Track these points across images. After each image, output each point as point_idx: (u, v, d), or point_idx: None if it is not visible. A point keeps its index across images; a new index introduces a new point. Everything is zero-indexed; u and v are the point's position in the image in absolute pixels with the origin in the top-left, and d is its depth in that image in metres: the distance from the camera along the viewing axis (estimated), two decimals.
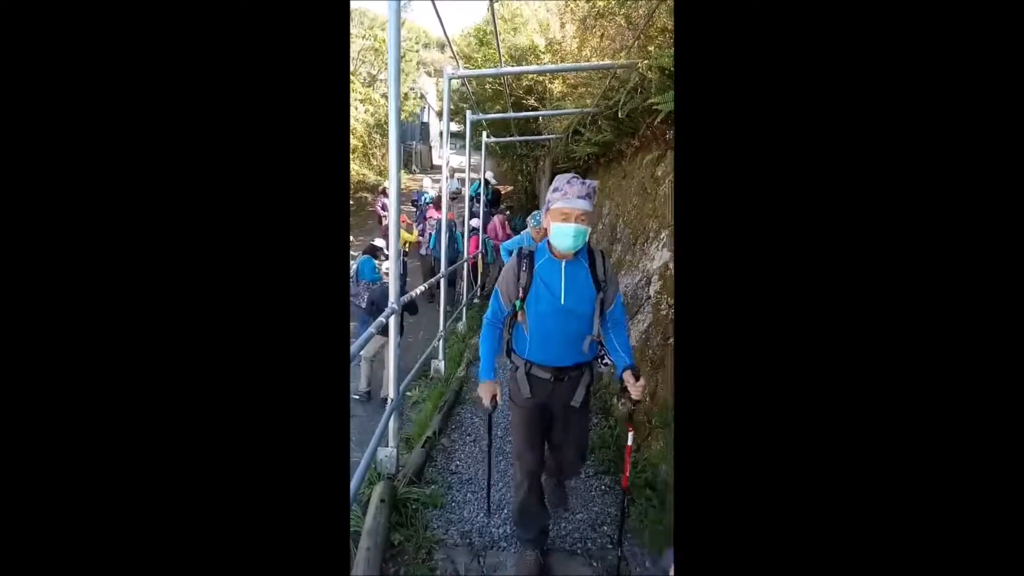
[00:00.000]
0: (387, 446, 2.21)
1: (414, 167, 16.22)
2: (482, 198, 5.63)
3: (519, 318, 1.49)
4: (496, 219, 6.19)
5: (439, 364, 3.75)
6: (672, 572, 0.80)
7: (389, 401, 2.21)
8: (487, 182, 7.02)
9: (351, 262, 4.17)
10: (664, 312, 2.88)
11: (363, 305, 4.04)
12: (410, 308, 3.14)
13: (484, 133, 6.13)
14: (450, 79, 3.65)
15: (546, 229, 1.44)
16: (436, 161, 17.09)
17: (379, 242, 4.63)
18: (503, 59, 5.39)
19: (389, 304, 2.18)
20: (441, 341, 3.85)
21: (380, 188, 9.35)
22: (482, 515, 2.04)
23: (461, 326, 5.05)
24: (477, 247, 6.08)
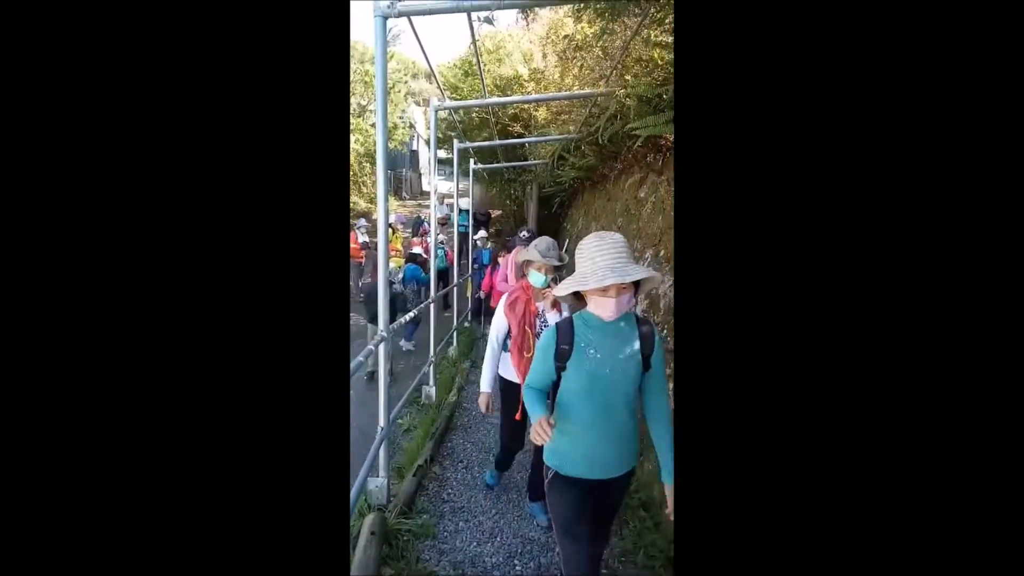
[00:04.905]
0: (377, 476, 2.18)
1: (404, 194, 16.43)
2: (456, 223, 5.73)
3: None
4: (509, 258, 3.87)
5: (430, 390, 3.73)
6: None
7: (379, 429, 2.19)
8: (461, 209, 7.12)
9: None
10: None
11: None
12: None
13: (472, 160, 6.26)
14: (436, 111, 3.76)
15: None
16: (425, 188, 17.32)
17: (416, 250, 5.60)
18: (488, 88, 5.55)
19: (378, 331, 2.18)
20: (431, 366, 3.83)
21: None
22: (475, 544, 2.00)
23: (452, 351, 5.03)
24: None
